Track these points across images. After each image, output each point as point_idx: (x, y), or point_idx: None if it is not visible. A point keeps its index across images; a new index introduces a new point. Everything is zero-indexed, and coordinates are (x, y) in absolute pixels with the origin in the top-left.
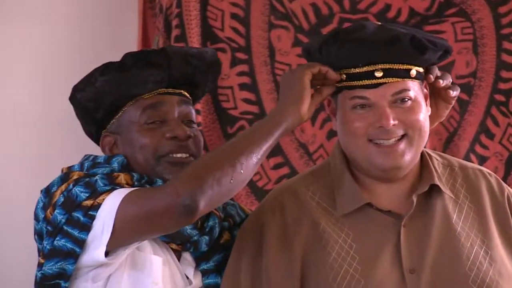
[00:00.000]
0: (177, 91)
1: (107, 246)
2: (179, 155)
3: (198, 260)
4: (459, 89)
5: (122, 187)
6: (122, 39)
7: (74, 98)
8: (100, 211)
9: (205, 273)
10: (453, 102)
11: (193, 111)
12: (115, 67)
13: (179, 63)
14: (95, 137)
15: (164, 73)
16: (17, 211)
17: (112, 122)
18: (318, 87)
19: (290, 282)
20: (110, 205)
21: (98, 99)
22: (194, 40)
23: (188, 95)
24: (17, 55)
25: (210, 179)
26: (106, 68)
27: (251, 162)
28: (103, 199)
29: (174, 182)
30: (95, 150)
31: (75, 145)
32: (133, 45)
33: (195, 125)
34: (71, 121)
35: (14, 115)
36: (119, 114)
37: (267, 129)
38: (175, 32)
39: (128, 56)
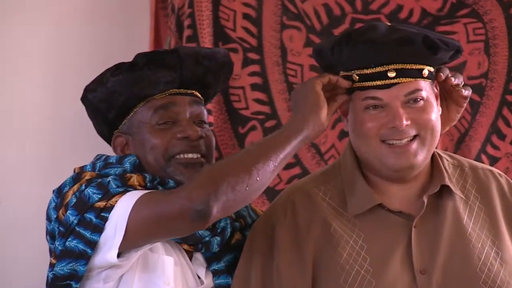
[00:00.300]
0: (189, 91)
1: (119, 248)
2: (190, 155)
3: (209, 260)
4: (470, 90)
5: (135, 189)
6: (134, 39)
7: (85, 99)
8: (113, 213)
9: (216, 274)
10: (465, 104)
11: (205, 111)
12: (126, 68)
13: (191, 64)
14: (107, 137)
15: (175, 74)
16: (28, 211)
17: (124, 122)
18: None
19: (302, 283)
20: (123, 207)
21: (109, 100)
22: (206, 40)
23: (199, 95)
24: (28, 55)
25: (224, 185)
26: (117, 69)
27: (268, 170)
28: (116, 201)
29: (188, 187)
30: (106, 150)
31: (86, 145)
32: (145, 45)
33: (206, 125)
34: (82, 121)
35: (25, 115)
36: (130, 115)
37: (285, 136)
38: (187, 32)
39: (139, 56)
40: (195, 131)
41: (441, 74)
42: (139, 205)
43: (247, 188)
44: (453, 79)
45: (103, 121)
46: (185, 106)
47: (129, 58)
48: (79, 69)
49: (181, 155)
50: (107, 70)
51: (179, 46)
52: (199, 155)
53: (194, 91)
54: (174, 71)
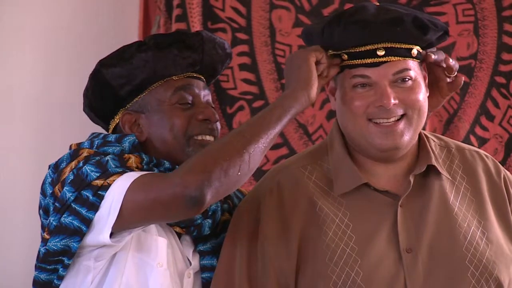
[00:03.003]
0: (200, 76)
1: (112, 228)
2: (207, 137)
3: (197, 241)
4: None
5: (132, 170)
6: (123, 19)
7: (98, 74)
8: (109, 192)
9: (201, 254)
10: (447, 97)
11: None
12: (153, 45)
13: (210, 49)
14: (108, 115)
15: (198, 57)
16: (18, 189)
17: (135, 100)
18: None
19: (287, 262)
20: (120, 188)
21: (129, 76)
22: (195, 20)
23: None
24: (18, 33)
25: (217, 171)
26: (143, 45)
27: (259, 152)
28: (113, 180)
29: (181, 172)
30: (97, 127)
31: (78, 122)
32: (134, 25)
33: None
34: (72, 99)
35: (17, 91)
36: (144, 93)
37: (277, 115)
38: (176, 11)
39: (165, 36)
40: (214, 114)
41: (431, 55)
42: (134, 188)
43: (239, 173)
44: (433, 55)
45: (111, 98)
46: (200, 89)
47: (118, 37)
48: (68, 47)
49: (199, 137)
50: (127, 46)
51: (200, 30)
52: (213, 138)
53: (202, 77)
54: (197, 54)
